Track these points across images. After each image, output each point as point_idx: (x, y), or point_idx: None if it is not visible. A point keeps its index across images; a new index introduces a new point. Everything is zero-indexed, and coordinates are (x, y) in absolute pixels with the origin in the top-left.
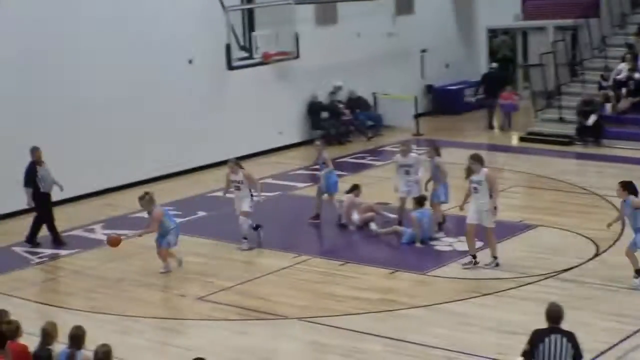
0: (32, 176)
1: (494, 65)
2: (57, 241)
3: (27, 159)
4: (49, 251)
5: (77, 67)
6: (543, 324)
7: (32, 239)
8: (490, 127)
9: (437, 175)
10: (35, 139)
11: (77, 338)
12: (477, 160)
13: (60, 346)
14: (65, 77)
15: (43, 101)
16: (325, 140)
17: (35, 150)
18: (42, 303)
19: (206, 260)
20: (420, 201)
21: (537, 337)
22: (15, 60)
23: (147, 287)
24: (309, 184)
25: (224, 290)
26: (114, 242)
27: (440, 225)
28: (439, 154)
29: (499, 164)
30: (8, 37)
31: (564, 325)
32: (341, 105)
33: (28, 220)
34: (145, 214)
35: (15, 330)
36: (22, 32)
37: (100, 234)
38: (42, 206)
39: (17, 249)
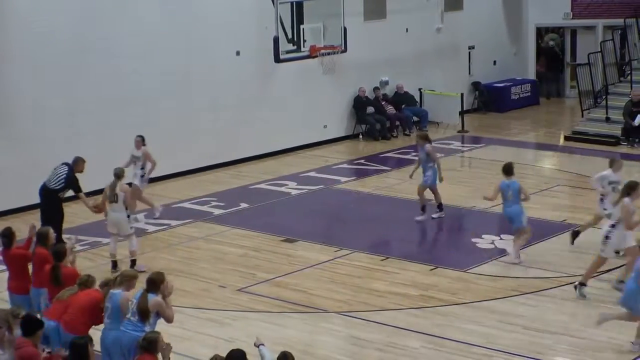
0: (76, 181)
1: (552, 43)
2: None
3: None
4: (91, 239)
5: (125, 59)
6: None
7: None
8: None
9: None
10: (82, 130)
11: (152, 282)
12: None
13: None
14: (112, 69)
15: (89, 93)
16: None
17: (80, 161)
18: None
19: (247, 252)
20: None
21: None
22: (63, 53)
23: (187, 277)
24: (352, 178)
25: (264, 282)
26: None
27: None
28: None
29: (543, 162)
30: (57, 30)
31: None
32: (385, 101)
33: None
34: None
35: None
36: (70, 23)
37: (143, 223)
38: (57, 207)
39: (64, 236)
